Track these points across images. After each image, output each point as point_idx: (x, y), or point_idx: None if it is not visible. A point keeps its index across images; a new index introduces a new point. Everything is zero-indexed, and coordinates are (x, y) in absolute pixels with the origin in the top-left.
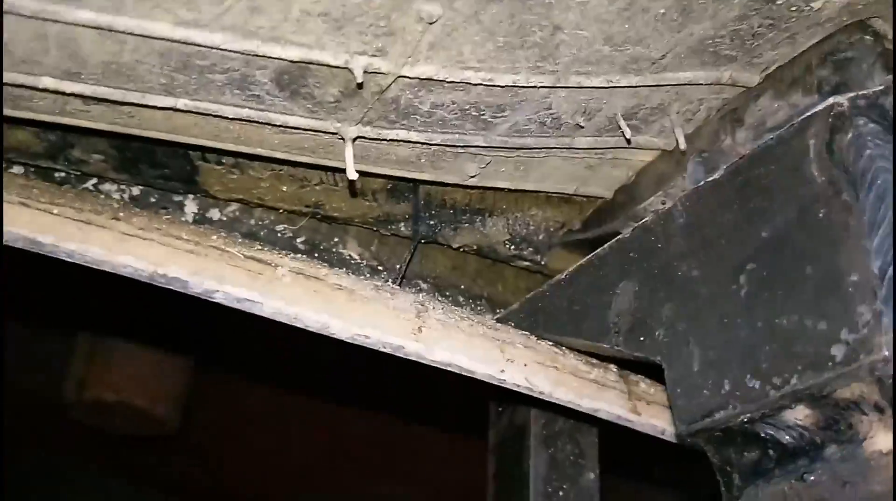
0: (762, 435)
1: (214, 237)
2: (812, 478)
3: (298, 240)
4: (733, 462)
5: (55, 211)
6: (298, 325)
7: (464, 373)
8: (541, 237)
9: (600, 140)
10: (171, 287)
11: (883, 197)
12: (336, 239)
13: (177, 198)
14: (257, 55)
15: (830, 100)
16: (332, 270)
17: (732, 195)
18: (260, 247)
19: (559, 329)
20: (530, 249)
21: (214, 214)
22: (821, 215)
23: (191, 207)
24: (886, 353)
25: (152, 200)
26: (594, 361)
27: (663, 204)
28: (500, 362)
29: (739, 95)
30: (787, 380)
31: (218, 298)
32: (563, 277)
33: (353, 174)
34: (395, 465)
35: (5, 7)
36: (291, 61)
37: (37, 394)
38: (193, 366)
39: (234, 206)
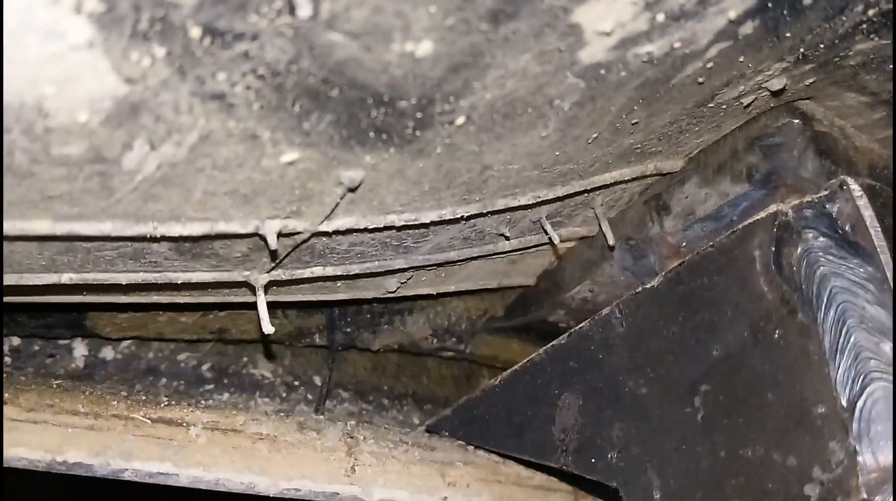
0: None
1: (115, 403)
2: None
3: (204, 367)
4: None
5: None
6: (221, 489)
7: None
8: (463, 327)
9: (524, 240)
10: (73, 473)
11: (843, 320)
12: (245, 359)
13: (63, 342)
14: (153, 237)
15: (772, 208)
16: (249, 414)
17: (675, 306)
18: (167, 402)
19: (498, 442)
20: (453, 339)
21: (108, 353)
22: (776, 335)
23: (80, 350)
24: (865, 496)
25: (35, 347)
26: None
27: (591, 292)
28: (442, 488)
29: (662, 180)
30: None
31: (127, 476)
32: (498, 383)
33: (268, 328)
34: None
35: None
36: (194, 236)
37: None
38: None
39: (128, 342)
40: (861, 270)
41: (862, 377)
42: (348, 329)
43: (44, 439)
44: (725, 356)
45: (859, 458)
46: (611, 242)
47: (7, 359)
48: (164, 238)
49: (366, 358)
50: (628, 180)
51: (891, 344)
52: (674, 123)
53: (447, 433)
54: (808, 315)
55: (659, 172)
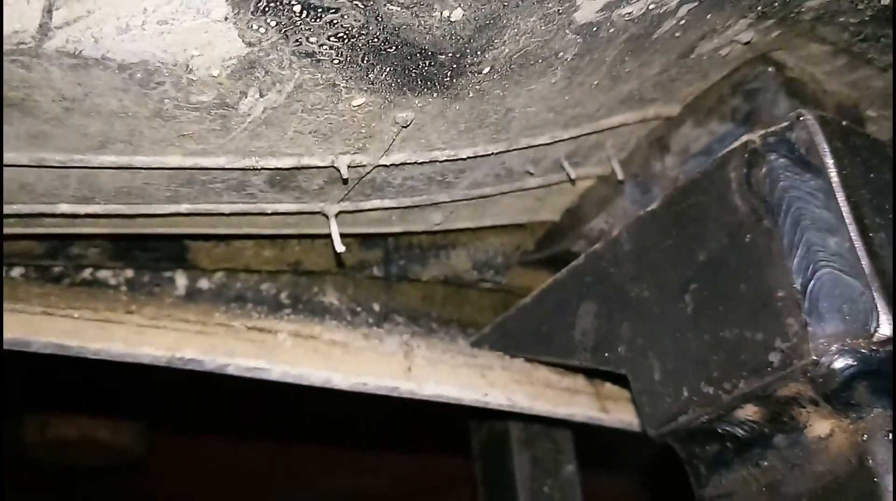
0: (720, 431)
1: (217, 315)
2: (766, 464)
3: (282, 295)
4: (698, 455)
5: (76, 315)
6: (304, 383)
7: (452, 402)
8: (499, 261)
9: (547, 178)
10: (188, 368)
11: (798, 222)
12: (315, 289)
13: (167, 274)
14: (255, 168)
15: (744, 137)
16: (324, 326)
17: (670, 224)
18: (258, 315)
19: (530, 348)
20: (491, 271)
21: (203, 283)
22: (747, 239)
23: (181, 280)
24: (814, 357)
25: (145, 279)
26: (564, 370)
27: (607, 223)
28: (484, 386)
29: (663, 124)
30: (735, 385)
31: (230, 371)
32: (528, 301)
33: (340, 248)
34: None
35: (34, 159)
36: (285, 168)
37: None
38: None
39: (220, 274)
40: (812, 182)
41: (812, 266)
42: (401, 262)
43: (165, 340)
44: (709, 259)
45: (809, 328)
46: (620, 177)
47: (123, 288)
48: (263, 169)
49: (417, 289)
50: (632, 123)
51: (834, 239)
52: (664, 72)
53: (488, 346)
54: (771, 221)
55: (658, 117)
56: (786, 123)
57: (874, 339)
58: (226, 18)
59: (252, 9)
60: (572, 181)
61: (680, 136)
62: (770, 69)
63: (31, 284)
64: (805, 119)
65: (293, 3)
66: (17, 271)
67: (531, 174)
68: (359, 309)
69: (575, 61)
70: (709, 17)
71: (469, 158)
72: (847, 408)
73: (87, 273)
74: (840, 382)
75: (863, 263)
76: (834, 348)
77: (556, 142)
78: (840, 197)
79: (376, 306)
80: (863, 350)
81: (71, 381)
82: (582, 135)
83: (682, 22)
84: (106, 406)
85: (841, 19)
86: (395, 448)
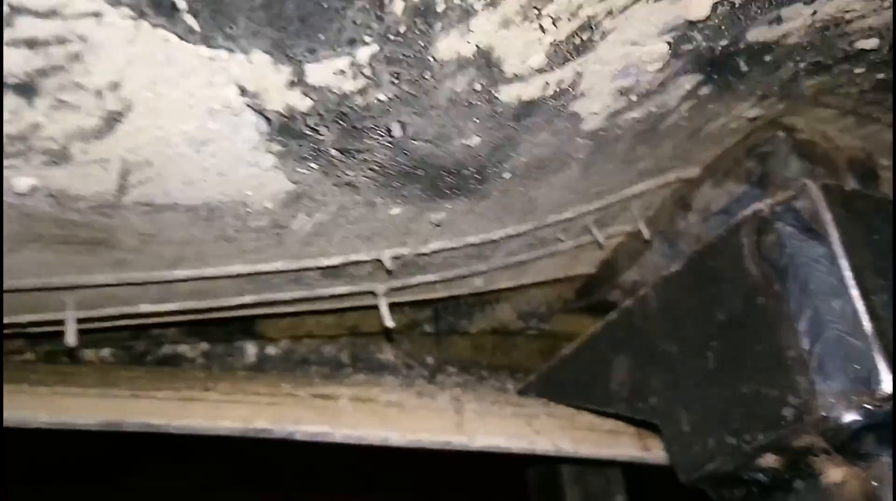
0: (745, 478)
1: (284, 385)
2: None
3: (342, 355)
4: (727, 497)
5: (160, 396)
6: (364, 443)
7: (502, 451)
8: (543, 309)
9: (578, 240)
10: (260, 437)
11: (805, 287)
12: (372, 347)
13: (237, 344)
14: (308, 268)
15: (754, 206)
16: (381, 387)
17: (692, 284)
18: (320, 381)
19: (572, 397)
20: (535, 320)
21: (271, 350)
22: (759, 302)
23: (251, 349)
24: (823, 413)
25: (219, 351)
26: (605, 414)
27: (639, 275)
28: (530, 435)
29: (685, 185)
30: (755, 437)
31: (298, 436)
32: (568, 352)
33: (390, 323)
34: None
35: (119, 279)
36: (334, 265)
37: None
38: None
39: (285, 341)
40: (817, 249)
41: (818, 328)
42: (450, 318)
43: (239, 413)
44: (727, 319)
45: (817, 387)
46: (646, 237)
47: (200, 360)
48: (316, 268)
49: (466, 340)
50: (654, 188)
51: (839, 302)
52: (677, 148)
53: (533, 394)
54: (780, 285)
55: (679, 180)
56: (791, 193)
57: (877, 396)
58: (274, 167)
59: (296, 157)
60: (600, 246)
61: (700, 196)
62: (780, 133)
63: (118, 367)
64: (809, 189)
65: (330, 149)
66: (106, 351)
67: (561, 240)
68: (412, 363)
69: (589, 158)
70: (711, 107)
71: (501, 238)
72: (857, 458)
73: (167, 349)
74: (848, 434)
75: (865, 325)
76: (841, 404)
77: (581, 215)
78: (843, 263)
79: (430, 360)
80: (867, 406)
81: None
82: (606, 205)
83: (686, 114)
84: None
85: (842, 90)
86: None
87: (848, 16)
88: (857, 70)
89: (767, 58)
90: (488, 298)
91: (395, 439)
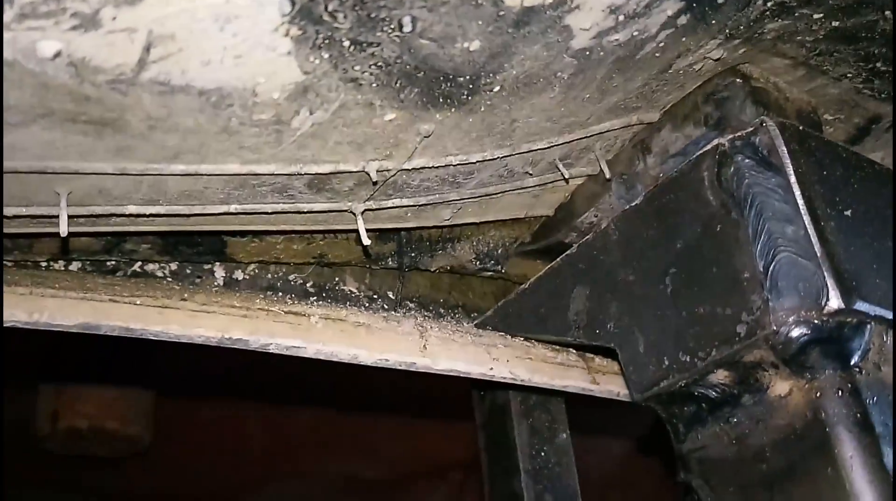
0: (696, 394)
1: (258, 301)
2: (735, 420)
3: (308, 285)
4: (677, 415)
5: (138, 302)
6: (334, 359)
7: (462, 375)
8: (499, 252)
9: (543, 178)
10: (236, 347)
11: (761, 214)
12: (337, 279)
13: (206, 267)
14: (299, 174)
15: (715, 141)
16: (350, 310)
17: (652, 216)
18: (292, 301)
19: (528, 328)
20: (492, 262)
21: (239, 275)
22: (718, 229)
23: (219, 272)
24: (774, 328)
25: (188, 271)
26: (558, 347)
27: (595, 217)
28: (489, 362)
29: (645, 129)
30: (708, 353)
31: (272, 349)
32: (527, 286)
33: (367, 241)
34: (347, 444)
35: (118, 168)
36: (323, 173)
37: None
38: (156, 394)
39: (253, 266)
40: (773, 180)
41: (772, 251)
42: (412, 254)
43: (215, 323)
44: (685, 246)
45: (770, 303)
46: (608, 176)
47: (169, 279)
48: (305, 175)
49: (425, 278)
50: (618, 129)
51: (792, 228)
52: (646, 85)
53: (490, 327)
54: (738, 213)
55: (641, 122)
56: (751, 129)
57: (825, 311)
58: (289, 53)
59: (311, 45)
60: (566, 180)
61: (660, 139)
62: (738, 80)
63: (94, 276)
64: (767, 125)
65: (343, 39)
66: (75, 266)
67: (530, 174)
68: (375, 296)
69: (570, 79)
70: (684, 39)
71: (478, 161)
72: (803, 370)
73: (136, 266)
74: (796, 348)
75: (815, 247)
76: (791, 319)
77: (552, 146)
78: (796, 192)
79: (391, 294)
80: (815, 321)
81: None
82: (574, 139)
83: (662, 44)
84: (115, 379)
85: (798, 38)
86: (391, 436)
87: None
88: (816, 16)
89: None
90: (449, 236)
91: (364, 357)
